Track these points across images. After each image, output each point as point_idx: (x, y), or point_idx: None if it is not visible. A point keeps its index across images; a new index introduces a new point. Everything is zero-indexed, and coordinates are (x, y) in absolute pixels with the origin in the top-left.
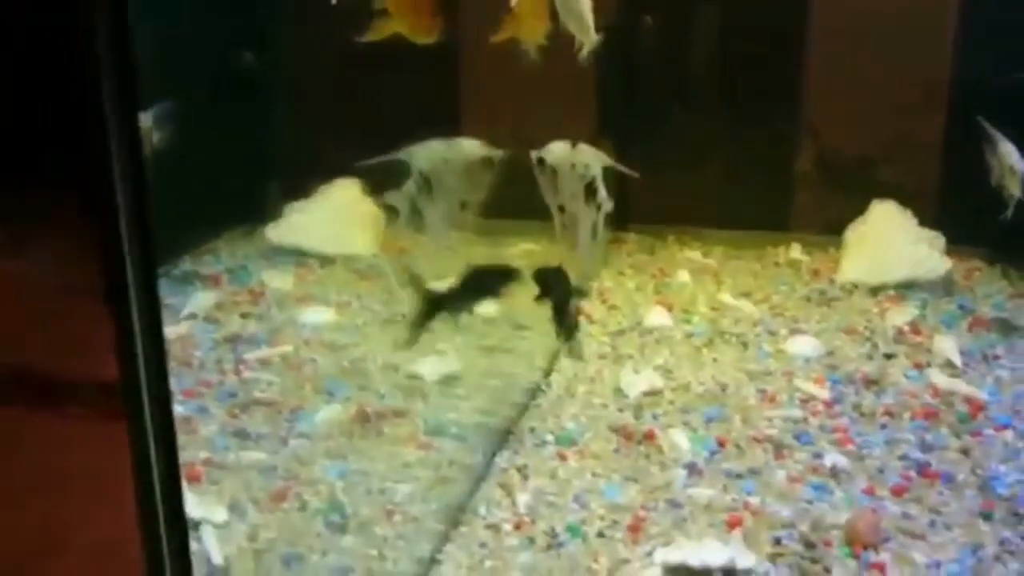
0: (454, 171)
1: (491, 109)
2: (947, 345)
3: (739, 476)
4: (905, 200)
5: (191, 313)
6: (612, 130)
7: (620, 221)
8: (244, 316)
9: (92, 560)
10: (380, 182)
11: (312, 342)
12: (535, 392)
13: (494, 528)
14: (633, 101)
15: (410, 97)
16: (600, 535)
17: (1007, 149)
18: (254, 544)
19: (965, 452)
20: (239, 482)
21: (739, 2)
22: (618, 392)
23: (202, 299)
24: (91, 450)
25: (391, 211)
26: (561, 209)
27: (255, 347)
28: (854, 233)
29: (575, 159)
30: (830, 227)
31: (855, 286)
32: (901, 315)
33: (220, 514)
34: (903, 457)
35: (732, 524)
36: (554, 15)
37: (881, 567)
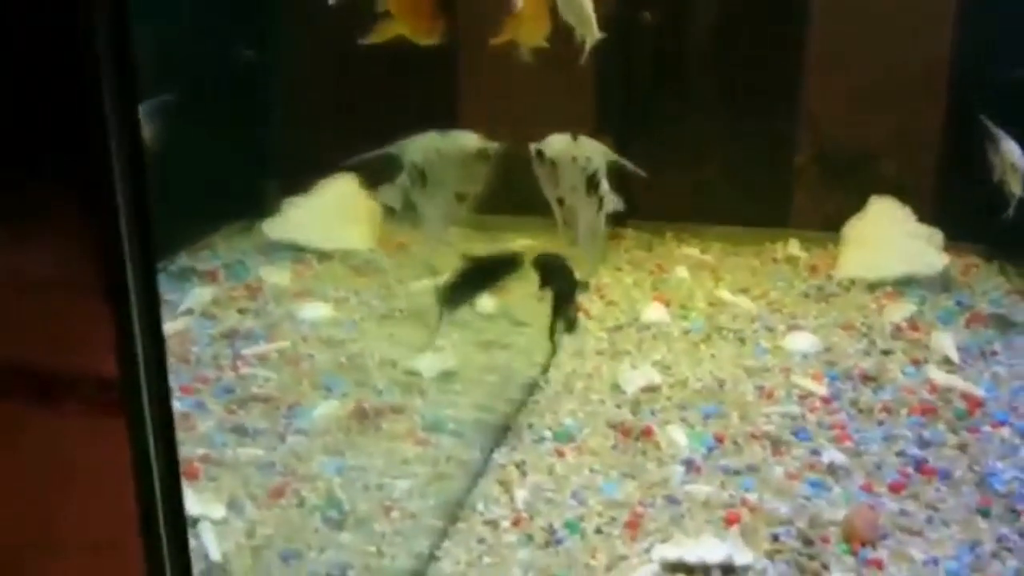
0: (449, 163)
1: (490, 106)
2: (945, 341)
3: (737, 473)
4: (903, 196)
5: (188, 309)
6: (611, 126)
7: (618, 217)
8: (241, 312)
9: (91, 556)
10: (378, 177)
11: (309, 338)
12: (533, 388)
13: (492, 524)
14: (632, 97)
15: (408, 93)
16: (598, 531)
17: (1009, 147)
18: (252, 541)
19: (962, 448)
20: (237, 478)
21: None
22: (616, 388)
23: (199, 295)
24: (90, 446)
25: (389, 206)
26: (560, 203)
27: (252, 343)
28: (852, 229)
29: (576, 152)
30: (828, 223)
31: (853, 282)
32: (899, 311)
33: (218, 511)
34: (901, 453)
35: (730, 521)
36: (554, 14)
37: (879, 564)
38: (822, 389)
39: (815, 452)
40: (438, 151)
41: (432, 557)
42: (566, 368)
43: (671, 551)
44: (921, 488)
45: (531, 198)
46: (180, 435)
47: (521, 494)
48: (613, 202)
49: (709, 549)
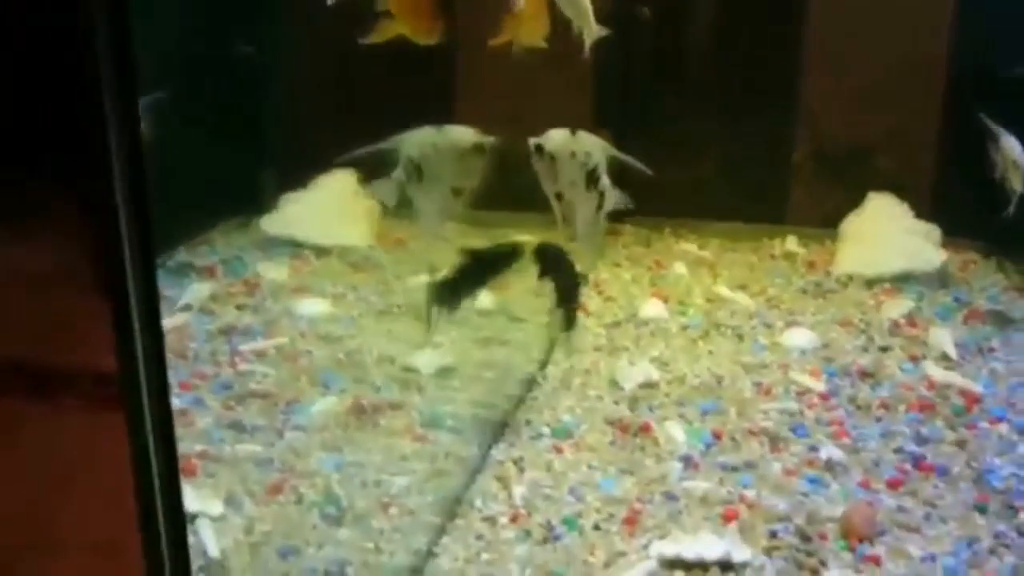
0: (445, 158)
1: (488, 104)
2: (942, 338)
3: (735, 469)
4: (901, 192)
5: (186, 304)
6: (609, 123)
7: (616, 213)
8: (239, 307)
9: (90, 553)
10: (377, 173)
11: (307, 334)
12: (531, 384)
13: (490, 521)
14: (630, 94)
15: (406, 91)
16: (596, 528)
17: (1010, 144)
18: (250, 537)
19: (960, 445)
20: (235, 475)
21: None
22: (614, 384)
23: (197, 290)
24: (89, 442)
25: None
26: (559, 198)
27: (250, 339)
28: (850, 225)
29: (575, 147)
30: (826, 219)
31: (851, 278)
32: (897, 307)
33: (216, 507)
34: (898, 450)
35: (728, 517)
36: (552, 13)
37: (877, 560)
38: (820, 385)
39: (813, 448)
40: (434, 145)
41: (430, 553)
42: (564, 364)
43: (669, 547)
44: (919, 484)
45: (529, 194)
46: (178, 431)
47: (519, 490)
48: (619, 198)
49: (707, 546)
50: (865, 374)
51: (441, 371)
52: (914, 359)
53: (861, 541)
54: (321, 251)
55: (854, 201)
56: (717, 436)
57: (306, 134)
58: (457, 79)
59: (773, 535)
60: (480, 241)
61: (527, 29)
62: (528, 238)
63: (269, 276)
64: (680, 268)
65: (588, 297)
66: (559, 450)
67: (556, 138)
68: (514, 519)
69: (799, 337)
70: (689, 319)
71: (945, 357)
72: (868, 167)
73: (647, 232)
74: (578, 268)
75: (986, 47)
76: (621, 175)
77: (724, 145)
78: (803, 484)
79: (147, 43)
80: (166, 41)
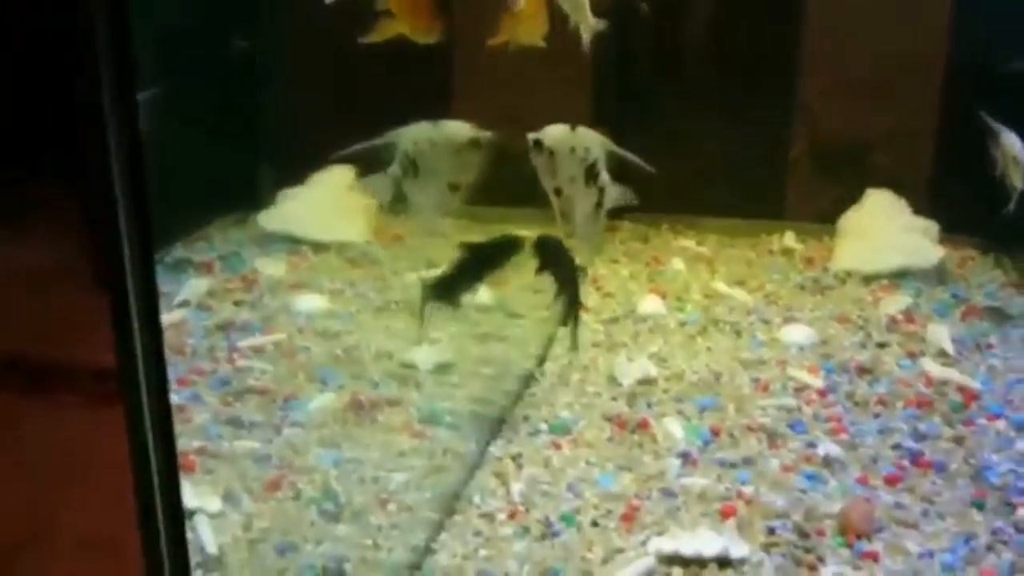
0: (441, 153)
1: (486, 102)
2: (940, 334)
3: (733, 465)
4: (899, 189)
5: (184, 300)
6: (607, 120)
7: (615, 209)
8: (237, 303)
9: (89, 549)
10: (375, 168)
11: (305, 330)
12: (529, 380)
13: (488, 517)
14: (628, 91)
15: (404, 88)
16: (594, 524)
17: (1010, 140)
18: (248, 534)
19: (958, 441)
20: (233, 471)
21: None
22: (612, 380)
23: (195, 286)
24: (88, 438)
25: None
26: (558, 193)
27: (248, 335)
28: (848, 222)
29: (575, 142)
30: (824, 215)
31: (849, 274)
32: (894, 304)
33: (214, 503)
34: (896, 446)
35: (726, 513)
36: (550, 11)
37: (874, 556)
38: (818, 382)
39: (811, 445)
40: (430, 140)
41: (428, 550)
42: (562, 360)
43: (667, 544)
44: (917, 481)
45: (528, 190)
46: (176, 427)
47: (517, 487)
48: (622, 194)
49: (705, 542)
50: (863, 370)
51: (439, 367)
52: (912, 355)
53: (859, 537)
54: (319, 247)
55: (852, 197)
56: (715, 432)
57: (304, 130)
58: (455, 77)
59: (771, 531)
60: (478, 236)
61: (525, 28)
62: (527, 233)
63: (267, 272)
64: (678, 264)
65: (587, 293)
66: (557, 446)
67: (555, 133)
68: (512, 515)
69: (797, 333)
70: (687, 315)
71: (943, 353)
72: (866, 163)
73: (645, 228)
74: (578, 262)
75: (984, 43)
76: (619, 171)
77: (722, 141)
78: (801, 480)
79: (145, 38)
80: (163, 36)
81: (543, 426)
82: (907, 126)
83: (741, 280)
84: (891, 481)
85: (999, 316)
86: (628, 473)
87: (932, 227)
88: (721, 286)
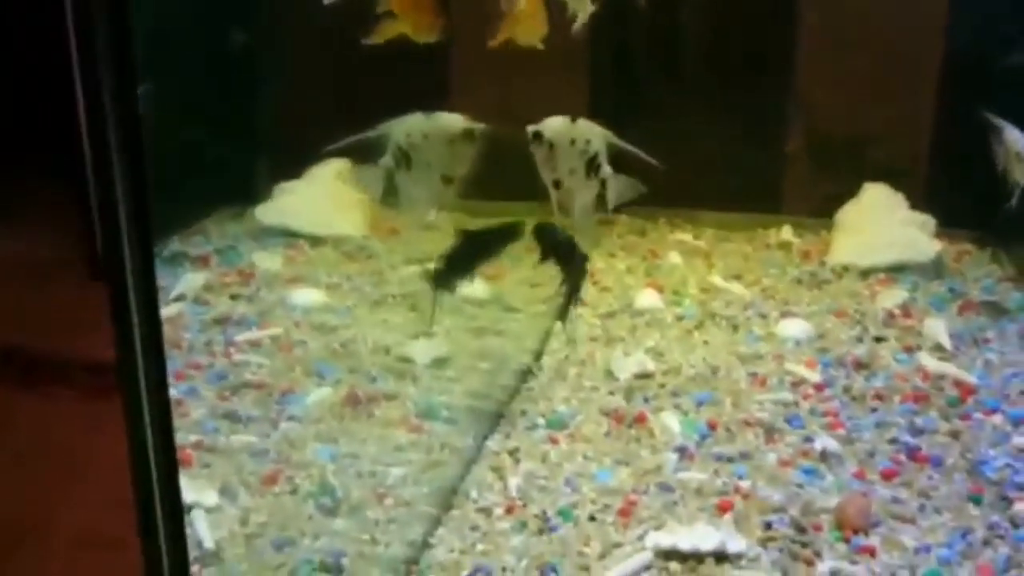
0: (435, 145)
1: (483, 97)
2: (937, 328)
3: (730, 460)
4: (896, 183)
5: (180, 294)
6: (605, 112)
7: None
8: (234, 297)
9: (87, 545)
10: (368, 161)
11: (302, 324)
12: (526, 375)
13: (486, 512)
14: (625, 84)
15: (401, 83)
16: (591, 519)
17: (1013, 136)
18: (245, 528)
19: (955, 436)
20: (230, 466)
21: None
22: (609, 375)
23: (191, 280)
24: (86, 433)
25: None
26: (557, 186)
27: (245, 329)
28: (845, 216)
29: (575, 135)
30: (821, 209)
31: (846, 268)
32: (891, 298)
33: (211, 498)
34: (893, 441)
35: (723, 508)
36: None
37: (871, 551)
38: (815, 376)
39: (808, 439)
40: (423, 132)
41: (425, 544)
42: (559, 354)
43: (664, 538)
44: (913, 475)
45: (526, 184)
46: (173, 422)
47: (514, 481)
48: (631, 187)
49: (702, 536)
50: (860, 365)
51: (436, 361)
52: (909, 350)
53: (856, 532)
54: (315, 241)
55: (849, 191)
56: (712, 427)
57: (300, 124)
58: (452, 73)
59: (768, 526)
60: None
61: (525, 28)
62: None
63: (263, 266)
64: (675, 258)
65: (583, 287)
66: (554, 441)
67: (555, 125)
68: (509, 510)
69: (794, 327)
70: (684, 309)
71: (940, 348)
72: (863, 157)
73: (642, 222)
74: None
75: (981, 37)
76: (617, 164)
77: (719, 135)
78: (798, 475)
79: (142, 32)
80: (161, 30)
81: (540, 420)
82: (905, 120)
83: (738, 274)
84: (888, 476)
85: (996, 310)
86: (625, 467)
87: (929, 221)
88: (718, 280)
